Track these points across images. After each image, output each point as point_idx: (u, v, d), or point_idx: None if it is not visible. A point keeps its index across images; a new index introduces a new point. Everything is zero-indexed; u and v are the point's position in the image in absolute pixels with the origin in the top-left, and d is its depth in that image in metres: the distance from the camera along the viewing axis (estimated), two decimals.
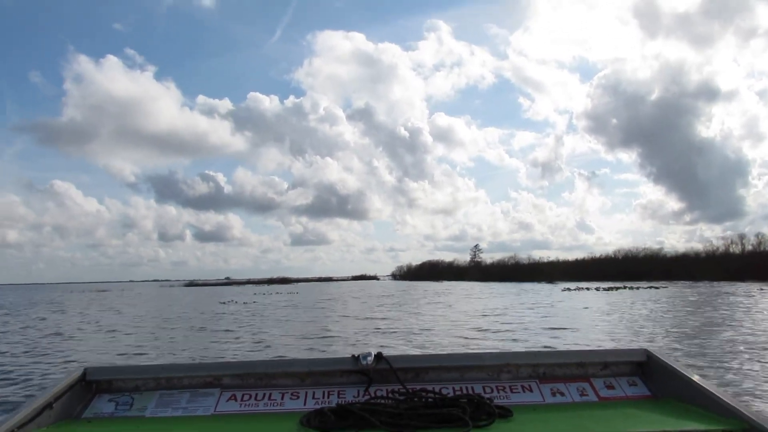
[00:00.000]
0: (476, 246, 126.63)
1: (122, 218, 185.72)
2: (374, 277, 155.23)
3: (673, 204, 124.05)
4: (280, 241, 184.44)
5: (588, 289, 47.00)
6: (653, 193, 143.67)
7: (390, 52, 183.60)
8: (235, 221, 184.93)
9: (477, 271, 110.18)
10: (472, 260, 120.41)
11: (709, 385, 1.82)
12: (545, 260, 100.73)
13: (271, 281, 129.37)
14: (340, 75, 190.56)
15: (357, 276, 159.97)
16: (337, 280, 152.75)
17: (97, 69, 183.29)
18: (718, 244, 75.12)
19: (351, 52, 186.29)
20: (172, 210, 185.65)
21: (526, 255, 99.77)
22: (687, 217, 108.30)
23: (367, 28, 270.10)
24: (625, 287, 47.71)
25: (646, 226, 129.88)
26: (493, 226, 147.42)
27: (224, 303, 35.49)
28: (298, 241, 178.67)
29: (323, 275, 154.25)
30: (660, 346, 11.48)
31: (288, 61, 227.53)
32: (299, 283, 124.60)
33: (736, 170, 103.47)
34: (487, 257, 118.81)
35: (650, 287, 46.77)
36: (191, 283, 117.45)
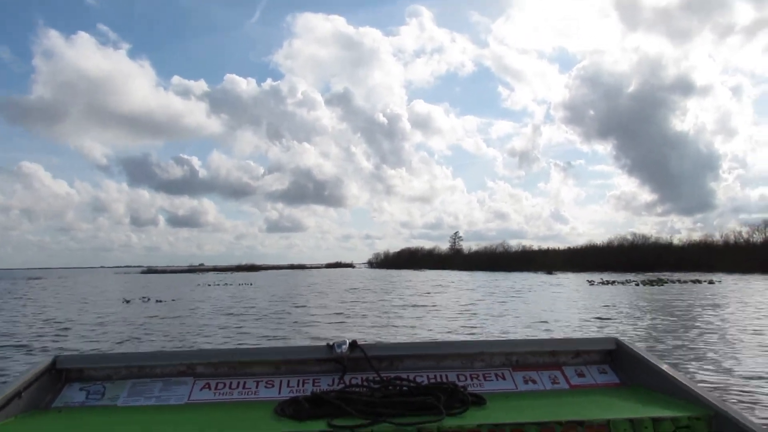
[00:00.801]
0: (456, 233, 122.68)
1: (93, 201, 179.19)
2: (350, 265, 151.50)
3: (646, 196, 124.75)
4: (255, 227, 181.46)
5: (613, 283, 36.25)
6: (627, 184, 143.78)
7: (370, 36, 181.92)
8: (209, 206, 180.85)
9: (460, 259, 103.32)
10: (451, 248, 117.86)
11: (676, 374, 1.87)
12: (533, 248, 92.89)
13: (239, 268, 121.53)
14: (319, 58, 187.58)
15: (331, 264, 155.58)
16: (310, 267, 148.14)
17: (67, 45, 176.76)
18: (730, 232, 67.29)
19: (331, 34, 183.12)
20: (144, 194, 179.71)
21: (500, 244, 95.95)
22: (659, 209, 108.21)
23: (348, 12, 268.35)
24: (666, 281, 36.95)
25: (620, 217, 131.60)
26: (469, 215, 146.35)
27: (132, 301, 25.43)
28: (273, 227, 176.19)
29: (297, 263, 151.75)
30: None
31: (266, 44, 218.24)
32: (268, 271, 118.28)
33: (708, 164, 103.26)
34: (464, 246, 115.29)
35: (709, 281, 35.63)
36: (149, 270, 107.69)
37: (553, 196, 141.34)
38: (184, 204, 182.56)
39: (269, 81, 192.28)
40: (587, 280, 39.66)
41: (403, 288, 33.72)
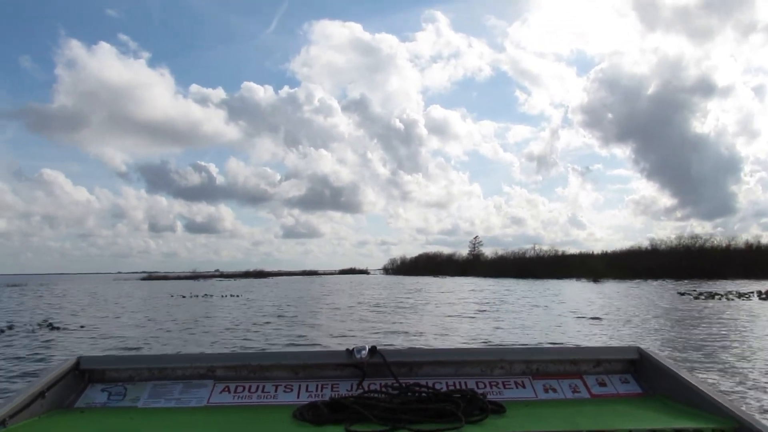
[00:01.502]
0: (475, 238, 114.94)
1: (112, 208, 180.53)
2: (364, 271, 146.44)
3: (665, 200, 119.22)
4: (271, 234, 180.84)
5: (714, 296, 27.01)
6: (646, 189, 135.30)
7: (387, 42, 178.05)
8: (226, 213, 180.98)
9: (484, 265, 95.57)
10: (470, 253, 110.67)
11: (700, 384, 1.82)
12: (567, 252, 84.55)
13: (247, 274, 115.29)
14: (336, 65, 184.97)
15: (345, 270, 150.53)
16: (323, 273, 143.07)
17: (89, 54, 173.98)
18: None
19: (347, 41, 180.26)
20: (163, 201, 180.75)
21: (531, 247, 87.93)
22: (678, 213, 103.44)
23: (365, 19, 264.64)
24: None
25: (638, 222, 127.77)
26: (486, 220, 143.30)
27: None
28: (289, 233, 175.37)
29: (311, 268, 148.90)
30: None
31: (283, 52, 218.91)
32: (278, 278, 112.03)
33: (729, 167, 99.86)
34: (484, 251, 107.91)
35: None
36: (149, 277, 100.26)
37: (571, 201, 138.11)
38: (201, 210, 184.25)
39: (286, 88, 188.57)
40: (678, 292, 31.41)
41: (435, 304, 26.03)
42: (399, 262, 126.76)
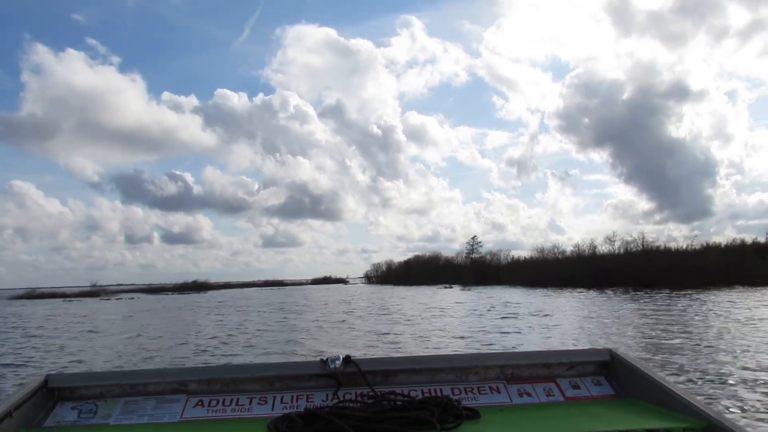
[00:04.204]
0: (474, 238, 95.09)
1: (86, 220, 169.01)
2: (342, 281, 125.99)
3: (643, 204, 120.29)
4: (250, 243, 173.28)
5: None
6: (624, 193, 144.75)
7: (362, 48, 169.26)
8: (204, 222, 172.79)
9: (500, 272, 71.84)
10: (467, 256, 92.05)
11: (671, 384, 1.84)
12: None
13: (184, 287, 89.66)
14: (311, 69, 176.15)
15: (319, 279, 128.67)
16: (291, 284, 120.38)
17: (56, 60, 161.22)
18: None
19: (321, 46, 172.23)
20: (138, 211, 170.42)
21: (553, 247, 74.77)
22: (656, 217, 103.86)
23: (339, 24, 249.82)
24: None
25: (616, 226, 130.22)
26: (466, 226, 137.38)
27: None
28: (269, 242, 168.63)
29: (289, 278, 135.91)
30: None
31: (257, 58, 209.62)
32: (226, 290, 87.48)
33: (705, 170, 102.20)
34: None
35: None
36: (29, 295, 71.46)
37: (550, 206, 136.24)
38: (178, 221, 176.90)
39: (261, 95, 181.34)
40: None
41: None
42: (384, 267, 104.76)
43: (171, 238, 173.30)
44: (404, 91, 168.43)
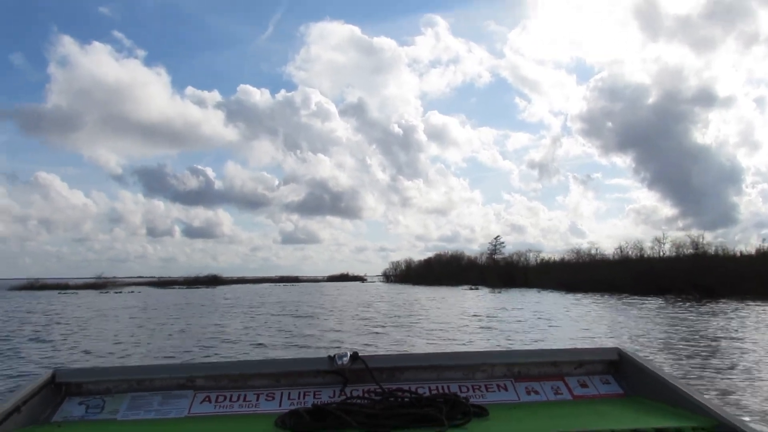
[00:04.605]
0: (497, 238, 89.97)
1: (109, 212, 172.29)
2: (360, 278, 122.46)
3: (667, 210, 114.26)
4: (270, 239, 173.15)
5: None
6: (647, 198, 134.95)
7: (385, 46, 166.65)
8: (224, 217, 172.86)
9: (528, 273, 67.41)
10: (490, 257, 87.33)
11: (679, 383, 1.85)
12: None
13: (197, 281, 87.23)
14: (334, 67, 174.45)
15: (335, 276, 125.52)
16: (305, 281, 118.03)
17: (82, 52, 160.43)
18: None
19: (345, 44, 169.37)
20: (160, 205, 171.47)
21: (591, 247, 69.85)
22: (680, 223, 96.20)
23: (363, 22, 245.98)
24: None
25: (638, 232, 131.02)
26: (485, 227, 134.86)
27: None
28: (288, 239, 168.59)
29: (307, 274, 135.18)
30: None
31: (279, 55, 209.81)
32: (240, 285, 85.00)
33: (730, 178, 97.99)
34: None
35: None
36: (31, 285, 69.88)
37: (571, 210, 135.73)
38: (199, 215, 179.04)
39: (283, 92, 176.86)
40: None
41: None
42: (403, 266, 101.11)
43: (192, 232, 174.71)
44: (426, 90, 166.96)
